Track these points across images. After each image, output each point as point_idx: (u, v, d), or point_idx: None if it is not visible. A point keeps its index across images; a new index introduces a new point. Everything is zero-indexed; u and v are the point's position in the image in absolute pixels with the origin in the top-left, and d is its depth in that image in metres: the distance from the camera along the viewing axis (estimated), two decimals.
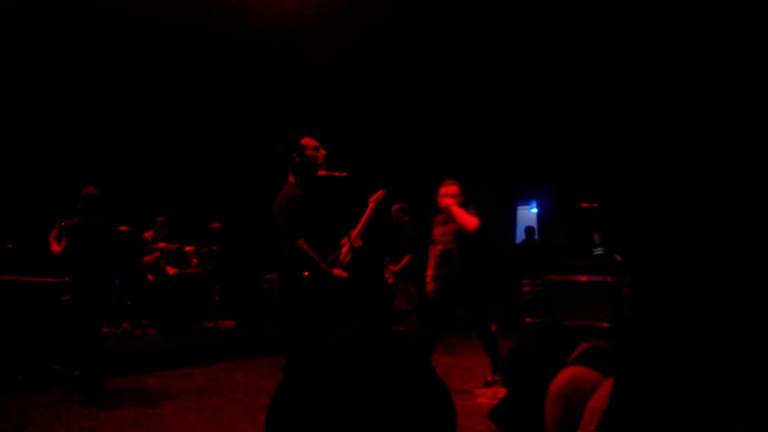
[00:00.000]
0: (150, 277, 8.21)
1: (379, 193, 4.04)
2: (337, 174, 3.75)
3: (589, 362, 2.05)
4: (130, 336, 7.71)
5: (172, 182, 9.58)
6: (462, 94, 10.39)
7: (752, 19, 7.05)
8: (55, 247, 5.74)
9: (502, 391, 4.95)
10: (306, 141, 3.83)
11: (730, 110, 7.67)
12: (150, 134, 9.50)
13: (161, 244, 8.47)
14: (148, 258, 8.30)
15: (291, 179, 3.79)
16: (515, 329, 8.98)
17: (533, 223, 12.28)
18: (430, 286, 5.79)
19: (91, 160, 8.65)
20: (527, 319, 9.42)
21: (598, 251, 9.63)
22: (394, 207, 7.64)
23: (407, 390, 0.99)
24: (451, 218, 5.58)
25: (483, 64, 9.66)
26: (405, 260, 7.36)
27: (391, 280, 7.48)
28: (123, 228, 7.82)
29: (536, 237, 11.66)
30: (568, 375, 2.00)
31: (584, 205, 7.95)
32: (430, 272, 5.84)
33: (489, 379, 5.65)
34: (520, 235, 12.01)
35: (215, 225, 8.87)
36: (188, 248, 8.80)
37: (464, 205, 5.67)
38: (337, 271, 3.72)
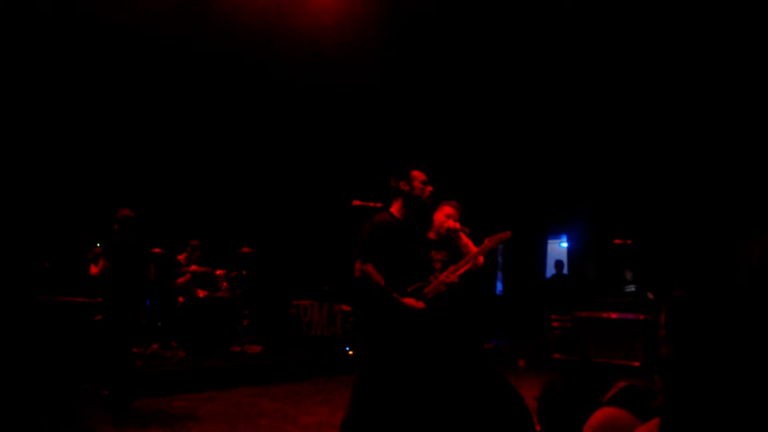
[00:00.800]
0: (181, 299, 8.30)
1: (503, 234, 3.98)
2: (372, 204, 3.76)
3: (624, 403, 2.00)
4: (159, 357, 7.77)
5: (205, 206, 9.72)
6: (495, 126, 10.42)
7: None
8: (93, 269, 5.86)
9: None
10: (416, 173, 3.86)
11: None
12: (187, 159, 9.67)
13: (193, 267, 8.57)
14: (179, 280, 8.42)
15: (391, 208, 3.82)
16: (543, 365, 8.86)
17: (563, 257, 12.16)
18: None
19: (127, 182, 8.84)
20: (556, 355, 9.28)
21: (630, 288, 9.49)
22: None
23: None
24: (447, 244, 4.59)
25: (517, 96, 9.71)
26: None
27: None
28: (156, 250, 7.95)
29: (565, 271, 11.54)
30: (602, 416, 1.96)
31: (617, 241, 7.85)
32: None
33: None
34: (550, 269, 11.90)
35: (246, 249, 8.96)
36: (219, 272, 8.89)
37: None
38: (410, 301, 3.61)
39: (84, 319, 6.18)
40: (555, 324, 9.63)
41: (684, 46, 7.91)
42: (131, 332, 6.01)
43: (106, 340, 5.78)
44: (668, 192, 8.97)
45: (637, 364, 8.00)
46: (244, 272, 9.02)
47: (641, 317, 8.18)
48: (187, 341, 8.08)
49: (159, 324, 8.08)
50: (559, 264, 11.40)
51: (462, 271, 3.79)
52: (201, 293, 8.61)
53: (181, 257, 8.66)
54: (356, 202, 3.76)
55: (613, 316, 8.53)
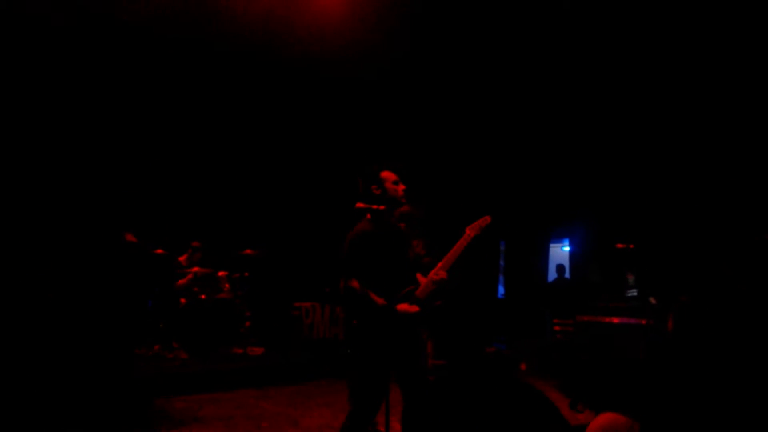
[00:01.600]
0: (182, 300, 8.30)
1: (482, 220, 3.84)
2: (375, 207, 3.73)
3: (622, 408, 2.06)
4: (160, 358, 7.78)
5: (208, 207, 9.72)
6: (498, 130, 10.43)
7: None
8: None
9: None
10: (386, 174, 3.82)
11: None
12: (189, 160, 9.68)
13: (195, 268, 8.58)
14: (181, 281, 8.42)
15: (368, 216, 3.77)
16: (545, 369, 8.84)
17: (566, 261, 12.15)
18: None
19: (130, 183, 8.85)
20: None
21: (632, 293, 9.47)
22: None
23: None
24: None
25: (520, 100, 9.71)
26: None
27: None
28: (158, 251, 7.95)
29: (567, 275, 11.53)
30: (602, 420, 2.01)
31: (620, 245, 7.84)
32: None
33: None
34: (552, 273, 11.89)
35: (248, 251, 8.96)
36: (221, 273, 8.89)
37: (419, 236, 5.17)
38: (403, 306, 3.60)
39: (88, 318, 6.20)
40: (557, 328, 9.61)
41: (686, 50, 7.91)
42: (133, 333, 6.01)
43: (108, 341, 5.78)
44: (671, 196, 8.95)
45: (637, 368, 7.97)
46: (246, 274, 9.02)
47: (643, 322, 8.16)
48: (189, 342, 8.08)
49: (161, 325, 8.08)
50: (561, 268, 11.39)
51: (449, 265, 3.75)
52: (202, 295, 8.62)
53: (183, 258, 8.67)
54: (359, 205, 3.74)
55: (615, 320, 8.51)
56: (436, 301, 3.76)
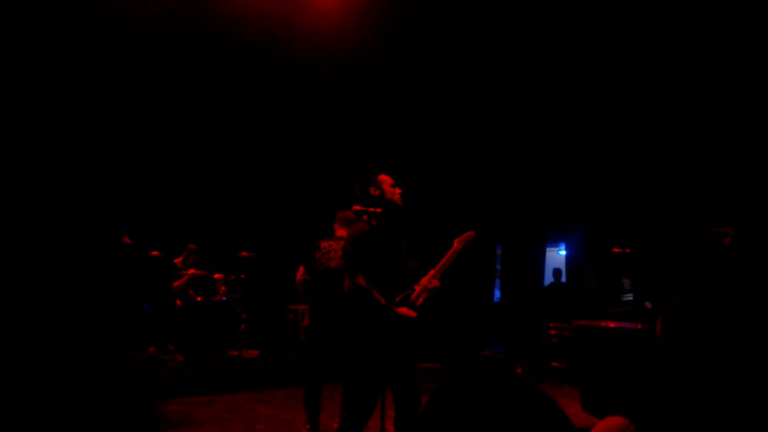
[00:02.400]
0: (178, 302, 8.28)
1: (467, 234, 3.92)
2: (372, 209, 3.74)
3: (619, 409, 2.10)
4: (155, 361, 7.75)
5: (203, 210, 9.70)
6: (494, 135, 10.44)
7: None
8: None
9: None
10: (383, 177, 3.85)
11: None
12: (185, 162, 9.67)
13: (191, 271, 8.55)
14: (176, 283, 8.40)
15: (365, 217, 3.77)
16: (541, 373, 8.84)
17: (562, 265, 12.16)
18: None
19: (125, 184, 8.83)
20: (554, 364, 9.26)
21: (628, 297, 9.48)
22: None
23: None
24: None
25: (516, 105, 9.72)
26: None
27: None
28: (154, 253, 7.93)
29: (563, 279, 11.54)
30: (604, 425, 2.04)
31: (615, 250, 7.84)
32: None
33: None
34: (549, 278, 11.90)
35: (244, 254, 8.94)
36: (217, 276, 8.87)
37: None
38: (403, 310, 3.61)
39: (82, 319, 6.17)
40: (553, 332, 9.61)
41: (681, 55, 7.94)
42: (128, 335, 5.99)
43: (102, 343, 5.76)
44: (667, 201, 8.97)
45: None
46: (242, 276, 9.00)
47: (639, 326, 8.17)
48: (184, 345, 8.06)
49: (156, 327, 8.06)
50: (557, 272, 11.41)
51: (441, 273, 3.78)
52: (198, 297, 8.59)
53: (178, 260, 8.65)
54: (356, 207, 3.75)
55: (611, 325, 8.52)
56: (427, 308, 3.78)
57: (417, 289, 3.73)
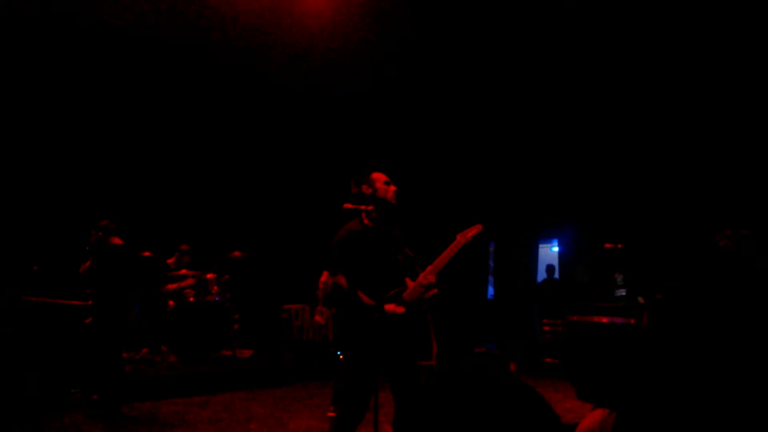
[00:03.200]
0: (171, 303, 8.25)
1: (474, 228, 3.84)
2: (363, 207, 3.73)
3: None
4: (149, 362, 7.73)
5: (196, 210, 9.68)
6: (486, 132, 10.45)
7: None
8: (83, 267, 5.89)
9: None
10: (376, 175, 3.83)
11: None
12: (177, 162, 9.63)
13: (183, 271, 8.53)
14: (170, 286, 8.36)
15: (360, 215, 3.77)
16: (535, 369, 8.87)
17: (554, 261, 12.18)
18: None
19: (117, 185, 8.80)
20: (547, 360, 9.30)
21: (621, 292, 9.51)
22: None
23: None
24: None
25: (507, 100, 9.74)
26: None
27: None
28: (146, 254, 7.91)
29: (556, 275, 11.56)
30: (592, 418, 2.06)
31: (608, 245, 7.88)
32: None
33: None
34: (542, 274, 11.92)
35: (236, 254, 8.92)
36: (209, 276, 8.85)
37: None
38: (390, 307, 3.61)
39: (73, 322, 6.16)
40: (546, 328, 9.64)
41: (672, 53, 7.96)
42: (121, 336, 5.98)
43: (95, 344, 5.74)
44: (659, 197, 9.00)
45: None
46: (235, 276, 8.98)
47: (632, 321, 8.20)
48: (178, 345, 8.04)
49: (149, 328, 8.03)
50: (550, 268, 11.42)
51: (438, 270, 3.74)
52: (191, 297, 8.57)
53: (170, 261, 8.62)
54: (347, 206, 3.74)
55: (604, 320, 8.55)
56: (423, 305, 3.75)
57: (411, 285, 3.72)
